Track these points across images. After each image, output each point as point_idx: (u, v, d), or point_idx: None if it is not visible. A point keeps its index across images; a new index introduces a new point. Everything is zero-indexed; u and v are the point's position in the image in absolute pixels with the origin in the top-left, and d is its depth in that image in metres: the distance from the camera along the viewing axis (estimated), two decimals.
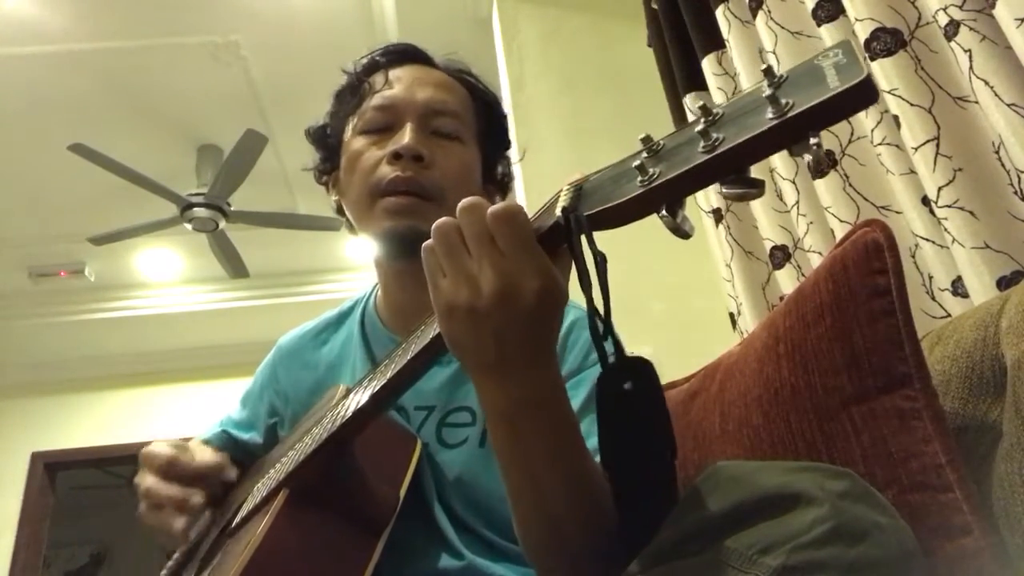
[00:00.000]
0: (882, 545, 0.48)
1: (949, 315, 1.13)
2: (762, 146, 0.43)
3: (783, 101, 0.41)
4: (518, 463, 0.59)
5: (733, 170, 0.45)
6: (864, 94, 0.40)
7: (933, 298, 1.17)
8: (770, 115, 0.42)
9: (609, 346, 0.52)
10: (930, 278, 1.17)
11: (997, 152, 1.05)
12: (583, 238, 0.50)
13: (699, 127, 0.45)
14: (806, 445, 0.72)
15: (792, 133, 0.42)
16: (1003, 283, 1.00)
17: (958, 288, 1.10)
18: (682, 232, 0.48)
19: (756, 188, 0.45)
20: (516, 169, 2.20)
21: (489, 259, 0.52)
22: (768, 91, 0.42)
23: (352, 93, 0.98)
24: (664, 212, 0.47)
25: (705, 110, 0.45)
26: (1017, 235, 1.01)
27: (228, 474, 0.91)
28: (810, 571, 0.45)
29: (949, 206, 1.06)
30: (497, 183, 1.03)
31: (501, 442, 0.59)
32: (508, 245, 0.52)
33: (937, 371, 0.73)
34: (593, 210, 0.50)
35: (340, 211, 1.00)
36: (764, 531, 0.48)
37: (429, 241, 0.55)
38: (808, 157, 0.43)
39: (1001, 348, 0.69)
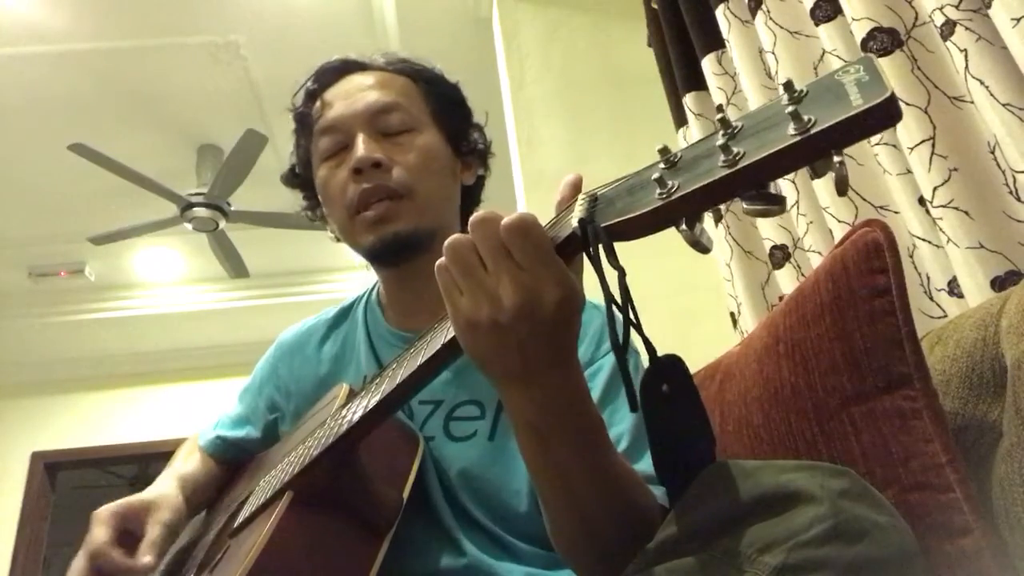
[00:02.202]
0: (881, 544, 0.48)
1: (946, 315, 1.13)
2: (784, 162, 0.42)
3: (805, 117, 0.41)
4: (549, 468, 0.59)
5: (754, 185, 0.44)
6: (888, 113, 0.39)
7: (931, 298, 1.17)
8: (792, 131, 0.41)
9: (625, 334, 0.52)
10: (927, 278, 1.17)
11: (992, 152, 1.05)
12: (600, 249, 0.49)
13: (719, 140, 0.44)
14: (806, 445, 0.72)
15: (815, 150, 0.41)
16: (997, 283, 1.00)
17: (954, 288, 1.10)
18: (701, 246, 0.47)
19: (778, 205, 0.44)
20: (515, 168, 2.22)
21: (508, 273, 0.52)
22: (789, 106, 0.41)
23: (304, 127, 1.00)
24: (683, 226, 0.47)
25: (724, 123, 0.44)
26: (1011, 235, 1.01)
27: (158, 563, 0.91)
28: (810, 570, 0.46)
29: (944, 206, 1.06)
30: (470, 154, 1.02)
31: (531, 449, 0.59)
32: (526, 258, 0.51)
33: (937, 371, 0.73)
34: (611, 221, 0.49)
35: (339, 239, 1.02)
36: (763, 530, 0.48)
37: (442, 259, 0.55)
38: (832, 174, 0.41)
39: (1001, 348, 0.69)
